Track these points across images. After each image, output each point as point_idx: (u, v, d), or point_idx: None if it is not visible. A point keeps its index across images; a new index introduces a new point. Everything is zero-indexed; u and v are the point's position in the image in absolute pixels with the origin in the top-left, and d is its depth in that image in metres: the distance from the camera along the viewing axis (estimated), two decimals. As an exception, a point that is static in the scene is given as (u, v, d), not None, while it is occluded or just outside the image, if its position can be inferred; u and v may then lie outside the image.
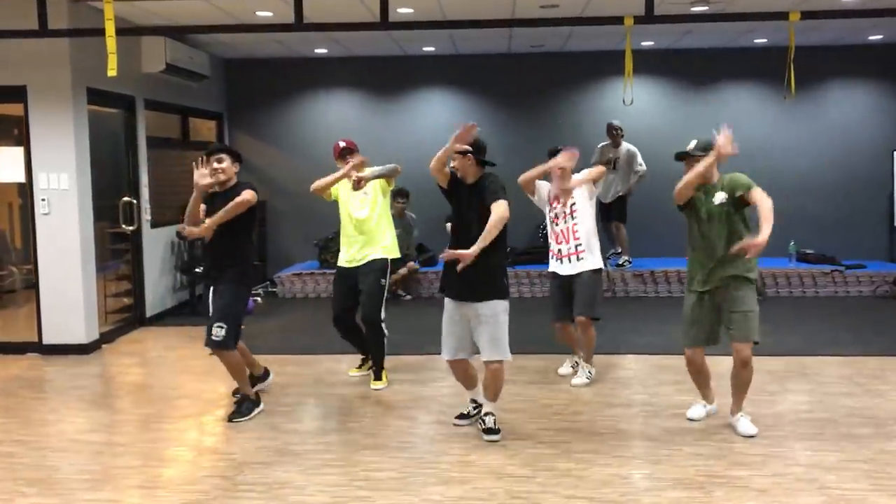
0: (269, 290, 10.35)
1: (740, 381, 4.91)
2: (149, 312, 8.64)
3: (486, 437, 4.88)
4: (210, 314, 5.32)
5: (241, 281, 5.35)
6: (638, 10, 5.99)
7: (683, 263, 10.03)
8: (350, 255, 6.10)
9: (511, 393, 5.84)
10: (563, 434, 4.98)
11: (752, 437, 4.83)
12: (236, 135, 11.03)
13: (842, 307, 8.99)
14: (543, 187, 5.92)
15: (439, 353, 5.05)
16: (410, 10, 6.94)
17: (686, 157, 4.85)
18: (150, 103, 8.75)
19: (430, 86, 10.99)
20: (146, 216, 8.56)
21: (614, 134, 9.50)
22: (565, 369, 6.35)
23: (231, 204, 5.12)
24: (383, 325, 6.03)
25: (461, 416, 5.20)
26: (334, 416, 5.44)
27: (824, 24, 8.88)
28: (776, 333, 7.52)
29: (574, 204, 5.80)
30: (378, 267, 6.00)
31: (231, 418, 5.32)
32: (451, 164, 4.86)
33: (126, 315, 8.46)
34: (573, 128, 10.57)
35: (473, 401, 5.19)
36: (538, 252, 10.29)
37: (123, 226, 8.23)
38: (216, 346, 5.25)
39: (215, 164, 5.33)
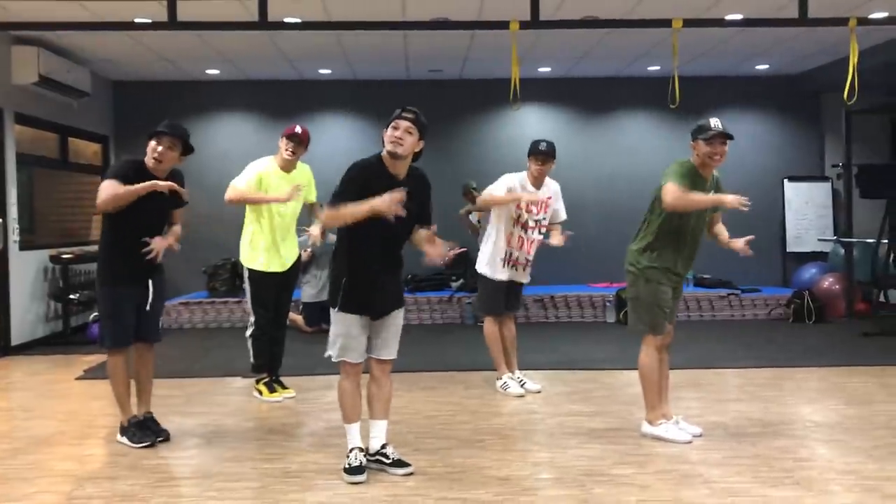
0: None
1: (665, 366, 4.84)
2: (15, 341, 7.98)
3: (401, 472, 4.05)
4: (151, 310, 4.76)
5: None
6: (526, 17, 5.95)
7: (581, 289, 10.00)
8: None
9: (396, 407, 5.51)
10: (443, 441, 4.67)
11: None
12: (123, 158, 10.50)
13: (738, 328, 9.02)
14: (517, 189, 5.75)
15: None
16: (297, 20, 6.72)
17: (724, 137, 4.55)
18: (22, 118, 8.23)
19: (328, 111, 10.77)
20: (13, 237, 7.97)
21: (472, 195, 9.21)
22: (516, 388, 5.86)
23: (176, 234, 4.78)
24: None
25: (357, 470, 4.03)
26: (199, 434, 4.98)
27: (712, 52, 9.08)
28: (673, 352, 7.42)
29: (543, 219, 5.83)
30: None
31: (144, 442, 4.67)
32: (390, 149, 3.92)
33: (-12, 344, 7.80)
34: (475, 156, 10.52)
35: (364, 450, 4.14)
36: (440, 279, 10.11)
37: (-13, 246, 7.63)
38: (159, 340, 4.88)
39: (161, 149, 4.54)
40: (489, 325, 5.99)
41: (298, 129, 5.74)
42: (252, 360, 5.87)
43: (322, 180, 6.01)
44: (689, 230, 4.66)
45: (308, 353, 7.09)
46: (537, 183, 5.79)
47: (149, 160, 4.57)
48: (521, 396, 5.79)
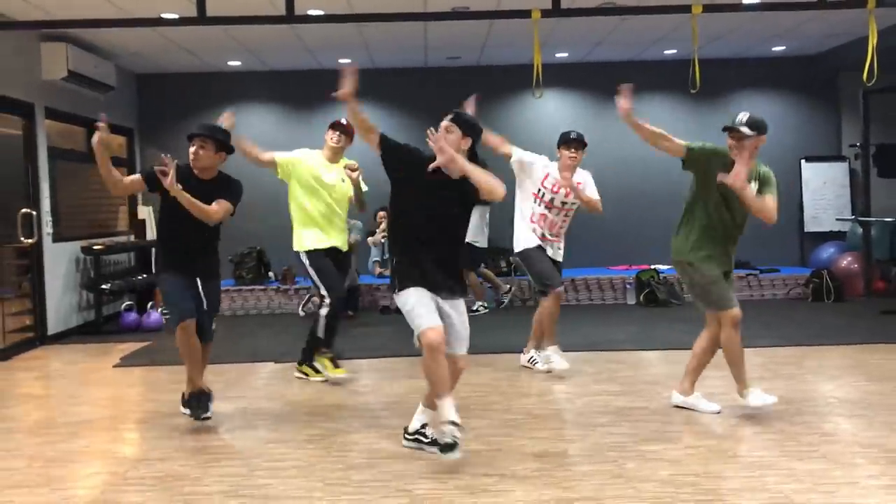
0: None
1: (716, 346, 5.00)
2: (51, 330, 8.20)
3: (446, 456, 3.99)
4: (202, 306, 4.93)
5: (219, 273, 5.19)
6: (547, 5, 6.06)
7: (600, 272, 10.13)
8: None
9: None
10: (476, 421, 4.84)
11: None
12: (148, 151, 10.70)
13: (757, 308, 9.11)
14: (538, 168, 5.89)
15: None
16: (321, 12, 6.85)
17: (733, 132, 4.63)
18: (53, 112, 8.41)
19: (348, 100, 10.87)
20: (47, 229, 8.17)
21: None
22: (560, 363, 5.97)
23: (204, 208, 4.71)
24: None
25: (425, 441, 4.29)
26: (241, 416, 5.17)
27: (729, 34, 9.14)
28: (693, 332, 7.54)
29: (573, 204, 5.94)
30: None
31: (200, 416, 4.83)
32: (435, 148, 4.11)
33: (26, 334, 8.01)
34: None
35: (456, 424, 4.03)
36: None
37: (22, 238, 7.83)
38: (212, 339, 5.10)
39: (194, 149, 4.82)
40: (545, 302, 6.00)
41: (343, 121, 5.88)
42: (320, 334, 5.81)
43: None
44: (728, 221, 4.78)
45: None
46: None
47: (192, 163, 4.87)
48: (549, 372, 5.98)
